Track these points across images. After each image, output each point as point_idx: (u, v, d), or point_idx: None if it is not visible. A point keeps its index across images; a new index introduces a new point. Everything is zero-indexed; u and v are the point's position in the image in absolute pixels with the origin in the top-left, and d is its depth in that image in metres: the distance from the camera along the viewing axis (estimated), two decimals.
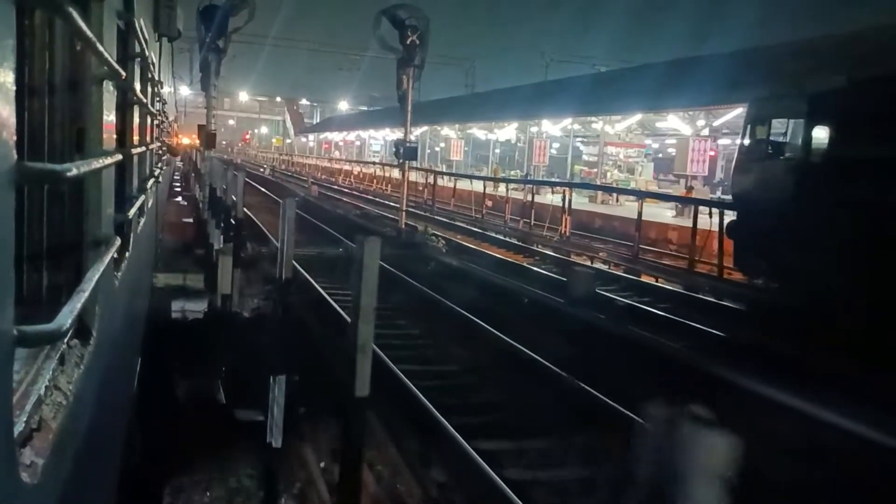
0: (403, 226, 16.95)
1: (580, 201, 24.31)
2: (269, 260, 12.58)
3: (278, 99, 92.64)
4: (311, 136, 79.54)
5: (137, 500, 3.96)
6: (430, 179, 28.14)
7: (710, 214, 13.03)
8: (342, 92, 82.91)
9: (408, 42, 14.96)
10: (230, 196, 9.28)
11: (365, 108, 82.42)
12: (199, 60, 19.00)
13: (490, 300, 10.15)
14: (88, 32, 1.48)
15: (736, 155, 10.92)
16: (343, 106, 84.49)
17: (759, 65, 21.79)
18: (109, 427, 2.56)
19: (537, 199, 21.94)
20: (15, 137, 1.00)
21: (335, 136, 69.53)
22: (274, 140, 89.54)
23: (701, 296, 11.22)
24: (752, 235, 10.00)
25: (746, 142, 10.49)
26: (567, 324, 8.78)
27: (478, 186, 26.13)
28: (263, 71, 79.48)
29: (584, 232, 20.09)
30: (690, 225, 17.25)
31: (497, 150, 49.97)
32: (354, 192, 34.68)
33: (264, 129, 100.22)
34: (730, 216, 11.77)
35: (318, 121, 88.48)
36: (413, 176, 36.71)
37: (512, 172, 39.70)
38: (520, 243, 17.50)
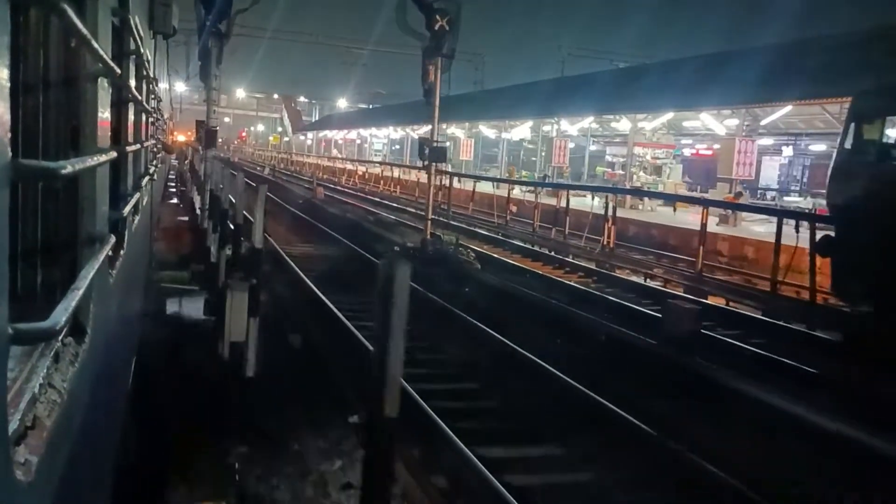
0: (429, 236, 14.83)
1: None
2: (283, 283, 10.78)
3: (276, 96, 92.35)
4: (309, 135, 79.17)
5: (133, 498, 3.95)
6: (445, 181, 26.20)
7: (795, 227, 10.96)
8: (342, 89, 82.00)
9: (436, 28, 13.11)
10: (240, 212, 7.48)
11: (364, 106, 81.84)
12: (199, 47, 16.75)
13: (557, 336, 8.48)
14: (83, 29, 1.48)
15: (834, 159, 9.43)
16: (342, 104, 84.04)
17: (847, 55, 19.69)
18: (104, 425, 2.55)
19: (559, 203, 19.93)
20: (10, 135, 1.00)
21: (335, 135, 69.04)
22: (270, 138, 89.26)
23: (809, 330, 9.33)
24: (856, 254, 8.42)
25: (849, 143, 8.84)
26: (693, 384, 6.77)
27: (488, 188, 24.67)
28: (261, 67, 79.00)
29: (620, 241, 17.82)
30: (741, 235, 15.64)
31: (503, 150, 48.54)
32: (361, 195, 32.61)
33: (261, 127, 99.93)
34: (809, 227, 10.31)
35: (317, 118, 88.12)
36: (421, 176, 34.53)
37: (523, 174, 38.02)
38: (557, 255, 15.89)
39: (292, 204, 24.12)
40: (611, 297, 11.02)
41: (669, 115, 27.22)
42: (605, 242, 16.41)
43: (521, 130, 39.28)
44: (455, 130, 45.41)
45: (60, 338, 1.64)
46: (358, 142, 64.16)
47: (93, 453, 2.16)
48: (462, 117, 41.13)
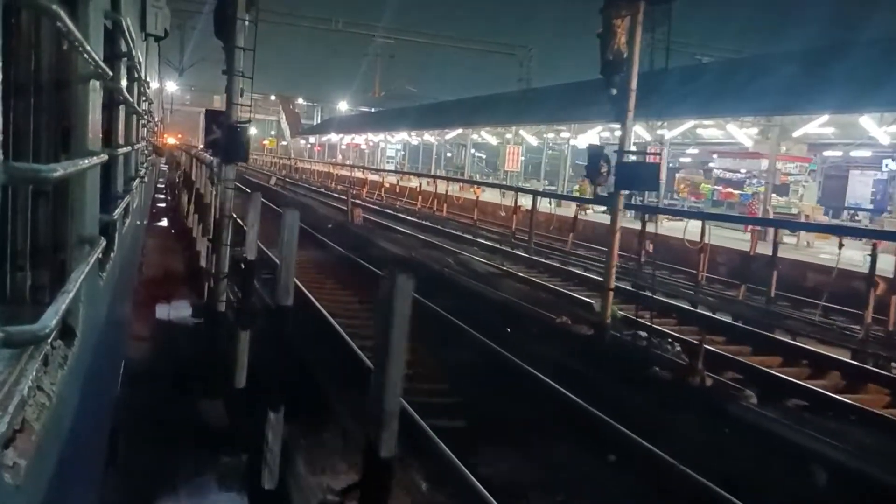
0: (608, 320, 8.92)
1: (718, 234, 15.64)
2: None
3: (272, 97, 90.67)
4: (311, 138, 76.96)
5: (121, 501, 3.93)
6: (519, 202, 19.86)
7: None
8: (359, 86, 76.60)
9: None
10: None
11: (365, 109, 79.66)
12: None
13: None
14: (76, 32, 1.48)
15: None
16: (343, 106, 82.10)
17: None
18: (93, 428, 2.54)
19: (623, 223, 11.63)
20: (0, 137, 1.01)
21: (341, 139, 66.29)
22: (266, 141, 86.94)
23: None
24: None
25: None
26: None
27: (536, 207, 17.68)
28: (260, 64, 76.63)
29: (811, 298, 11.79)
30: None
31: (522, 158, 38.12)
32: (394, 212, 25.88)
33: (253, 130, 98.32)
34: None
35: (318, 122, 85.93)
36: (479, 193, 25.37)
37: (576, 189, 30.05)
38: (776, 337, 9.85)
39: (325, 232, 17.40)
40: None
41: (824, 118, 20.35)
42: (869, 323, 9.86)
43: (589, 136, 29.88)
44: (485, 135, 37.75)
45: (50, 341, 1.63)
46: (362, 147, 61.78)
47: (82, 456, 2.15)
48: (526, 119, 28.70)
